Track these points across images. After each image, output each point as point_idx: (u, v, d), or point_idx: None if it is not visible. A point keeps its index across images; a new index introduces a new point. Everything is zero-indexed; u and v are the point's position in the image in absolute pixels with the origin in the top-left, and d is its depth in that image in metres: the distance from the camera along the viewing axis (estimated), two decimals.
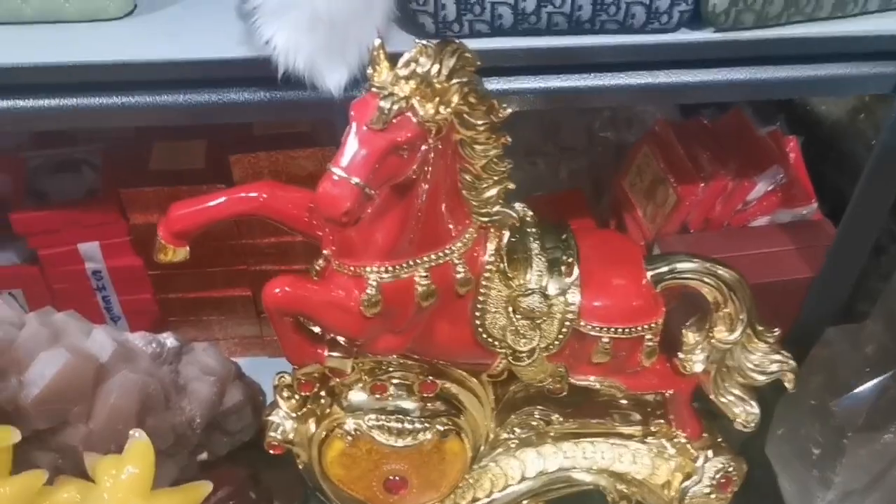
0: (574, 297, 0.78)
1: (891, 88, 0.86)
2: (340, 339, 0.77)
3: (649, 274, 0.81)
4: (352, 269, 0.73)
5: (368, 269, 0.72)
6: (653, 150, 1.12)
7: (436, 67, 0.62)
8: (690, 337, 0.85)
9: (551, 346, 0.79)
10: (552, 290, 0.77)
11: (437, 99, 0.63)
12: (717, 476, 0.91)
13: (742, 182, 1.07)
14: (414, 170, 0.66)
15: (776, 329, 0.84)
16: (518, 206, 0.77)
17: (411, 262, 0.72)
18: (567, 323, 0.78)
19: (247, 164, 1.01)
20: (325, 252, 0.76)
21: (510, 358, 0.79)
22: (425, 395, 0.85)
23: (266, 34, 0.74)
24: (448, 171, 0.71)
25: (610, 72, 0.83)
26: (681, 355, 0.84)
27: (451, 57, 0.63)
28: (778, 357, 0.84)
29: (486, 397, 0.90)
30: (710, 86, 0.83)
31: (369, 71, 0.64)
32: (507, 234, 0.76)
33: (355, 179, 0.61)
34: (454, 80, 0.63)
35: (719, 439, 0.93)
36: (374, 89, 0.63)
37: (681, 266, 0.81)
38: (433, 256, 0.73)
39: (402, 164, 0.64)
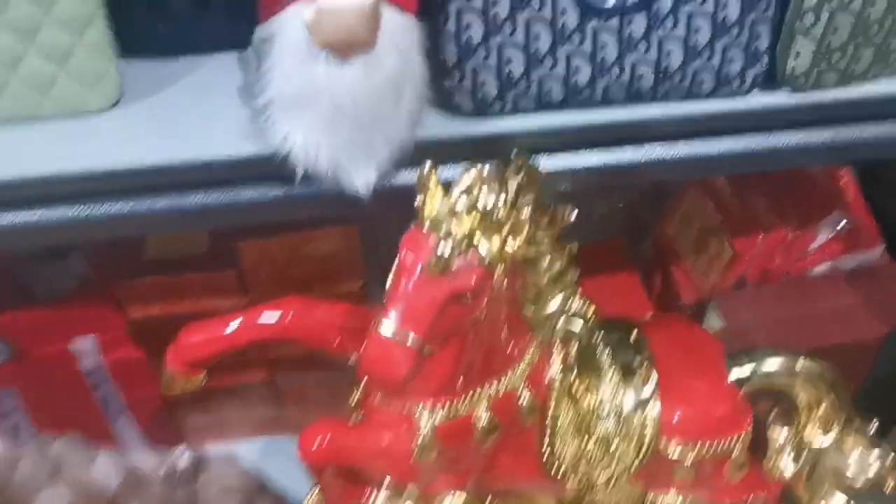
0: (653, 410, 0.68)
1: None
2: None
3: (732, 376, 0.71)
4: (405, 408, 0.62)
5: (420, 408, 0.62)
6: (702, 197, 1.02)
7: (501, 196, 0.52)
8: (777, 434, 0.75)
9: (629, 471, 0.69)
10: (628, 405, 0.67)
11: (505, 230, 0.52)
12: None
13: (802, 232, 0.97)
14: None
15: (874, 419, 0.75)
16: (578, 302, 0.66)
17: (470, 397, 0.62)
18: (646, 444, 0.68)
19: (257, 251, 0.90)
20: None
21: (582, 490, 0.69)
22: None
23: (282, 130, 0.63)
24: (508, 289, 0.60)
25: (670, 140, 0.72)
26: (768, 458, 0.74)
27: (514, 177, 0.53)
28: (877, 453, 0.74)
29: None
30: (786, 152, 0.73)
31: (418, 200, 0.53)
32: (573, 347, 0.66)
33: (412, 338, 0.51)
34: (522, 204, 0.53)
35: None
36: (427, 224, 0.52)
37: (767, 366, 0.71)
38: (495, 386, 0.63)
39: (466, 311, 0.54)
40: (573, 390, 0.66)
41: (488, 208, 0.51)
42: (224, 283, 0.91)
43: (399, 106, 0.64)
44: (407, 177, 0.69)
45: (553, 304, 0.63)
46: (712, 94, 0.69)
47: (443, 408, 0.62)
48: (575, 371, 0.66)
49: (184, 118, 0.70)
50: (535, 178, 0.55)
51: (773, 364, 0.71)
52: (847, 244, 0.99)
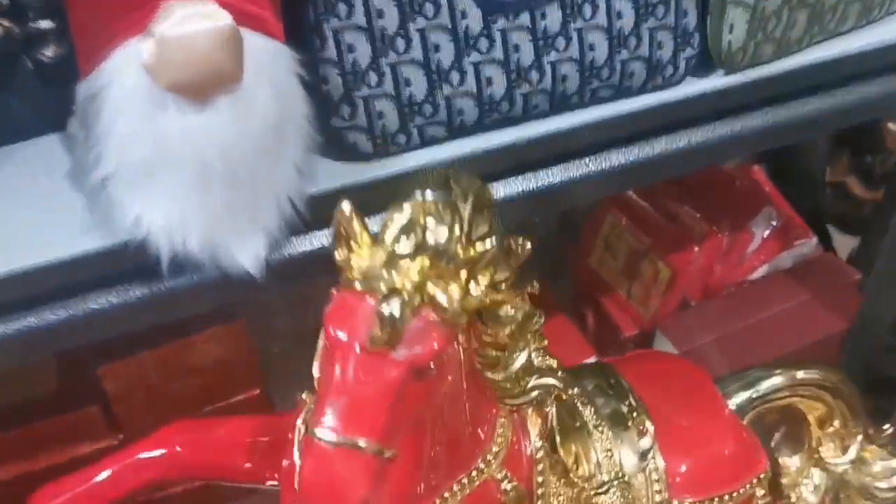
0: (658, 464, 0.56)
1: None
2: None
3: (731, 405, 0.60)
4: None
5: None
6: (620, 218, 0.92)
7: (455, 227, 0.38)
8: (789, 463, 0.64)
9: None
10: (628, 465, 0.54)
11: (464, 273, 0.39)
12: None
13: (737, 234, 0.90)
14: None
15: (886, 426, 0.65)
16: (547, 363, 0.53)
17: (438, 500, 0.48)
18: None
19: (123, 373, 0.72)
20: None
21: None
22: None
23: (132, 211, 0.48)
24: (465, 355, 0.47)
25: (604, 151, 0.62)
26: (785, 490, 0.63)
27: (466, 200, 0.39)
28: None
29: None
30: (731, 140, 0.64)
31: (338, 255, 0.39)
32: (552, 413, 0.53)
33: (365, 443, 0.36)
34: (479, 236, 0.39)
35: None
36: (357, 284, 0.38)
37: (764, 387, 0.60)
38: (465, 481, 0.49)
39: (429, 391, 0.39)
40: (560, 463, 0.53)
41: (441, 246, 0.37)
42: (88, 421, 0.73)
43: (282, 154, 0.50)
44: (303, 243, 0.55)
45: (518, 361, 0.50)
46: (644, 86, 0.59)
47: None
48: (558, 439, 0.53)
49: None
50: (488, 201, 0.42)
51: (770, 384, 0.60)
52: (782, 241, 0.92)
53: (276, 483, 0.52)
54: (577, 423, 0.55)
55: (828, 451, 0.63)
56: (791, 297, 0.89)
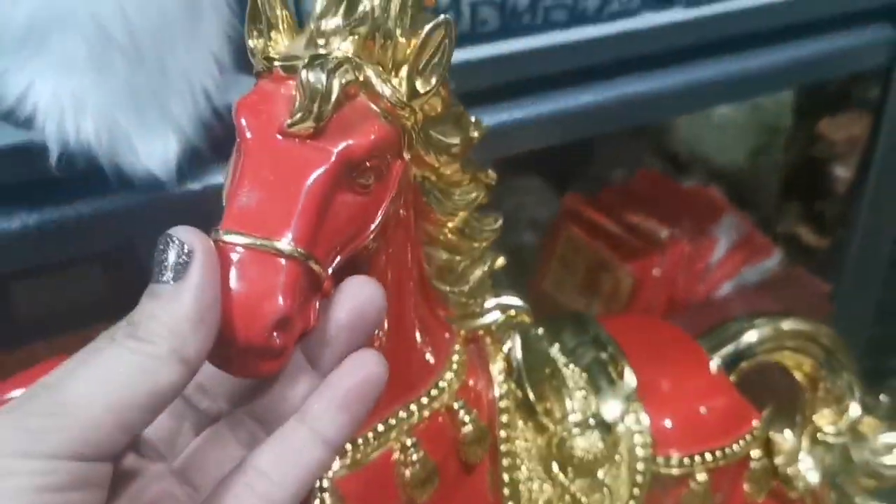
0: (640, 416, 0.47)
1: (889, 59, 0.67)
2: None
3: (716, 360, 0.52)
4: None
5: None
6: (577, 233, 0.87)
7: (392, 4, 0.31)
8: (781, 440, 0.56)
9: None
10: (608, 413, 0.46)
11: (406, 67, 0.32)
12: None
13: (700, 241, 0.84)
14: (372, 247, 0.34)
15: (882, 395, 0.58)
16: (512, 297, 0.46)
17: (382, 426, 0.39)
18: (640, 464, 0.47)
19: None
20: None
21: None
22: None
23: (15, 82, 0.41)
24: (412, 250, 0.39)
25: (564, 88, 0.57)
26: (781, 469, 0.55)
27: None
28: None
29: None
30: (686, 91, 0.60)
31: (252, 43, 0.32)
32: (517, 343, 0.45)
33: (285, 245, 0.28)
34: (430, 42, 0.32)
35: None
36: (277, 65, 0.30)
37: (748, 338, 0.53)
38: (413, 408, 0.40)
39: (364, 210, 0.31)
40: (528, 406, 0.44)
41: (378, 19, 0.30)
42: None
43: (197, 35, 0.44)
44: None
45: (474, 276, 0.42)
46: (600, 13, 0.55)
47: (345, 450, 0.37)
48: (524, 377, 0.44)
49: None
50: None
51: (753, 336, 0.53)
52: (746, 253, 0.87)
53: None
54: (547, 365, 0.46)
55: (823, 419, 0.55)
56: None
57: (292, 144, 0.29)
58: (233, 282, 0.27)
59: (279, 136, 0.29)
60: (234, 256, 0.27)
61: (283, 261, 0.27)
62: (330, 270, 0.30)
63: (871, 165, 0.75)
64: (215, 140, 0.47)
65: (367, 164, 0.30)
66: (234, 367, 0.28)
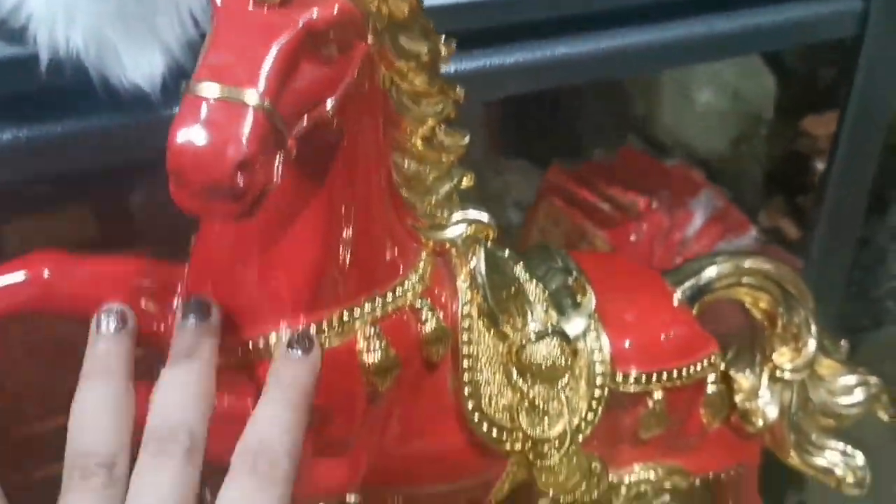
0: (601, 337, 0.49)
1: (856, 28, 0.70)
2: None
3: (679, 293, 0.55)
4: (238, 350, 0.39)
5: (274, 338, 0.39)
6: (558, 203, 0.89)
7: None
8: (742, 379, 0.58)
9: (583, 425, 0.49)
10: (569, 327, 0.48)
11: None
12: None
13: (677, 213, 0.87)
14: (337, 122, 0.36)
15: (843, 341, 0.60)
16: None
17: (346, 315, 0.41)
18: (598, 379, 0.49)
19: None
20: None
21: (530, 455, 0.47)
22: None
23: None
24: (381, 154, 0.42)
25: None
26: (741, 405, 0.57)
27: None
28: (857, 378, 0.59)
29: None
30: (655, 48, 0.63)
31: None
32: (480, 256, 0.47)
33: (253, 97, 0.30)
34: None
35: None
36: None
37: (708, 273, 0.56)
38: (378, 301, 0.42)
39: (326, 80, 0.34)
40: (490, 315, 0.46)
41: None
42: None
43: None
44: None
45: (442, 187, 0.44)
46: None
47: None
48: (487, 290, 0.46)
49: None
50: None
51: (715, 270, 0.56)
52: (722, 229, 0.89)
53: (157, 334, 0.44)
54: (511, 282, 0.49)
55: (781, 357, 0.57)
56: None
57: (261, 12, 0.32)
58: (201, 126, 0.29)
59: (249, 6, 0.32)
60: (204, 104, 0.30)
61: (249, 110, 0.30)
62: (294, 132, 0.32)
63: (840, 135, 0.78)
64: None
65: (330, 36, 0.33)
66: (196, 205, 0.30)
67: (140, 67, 0.46)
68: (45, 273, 0.42)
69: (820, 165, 1.27)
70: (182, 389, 0.37)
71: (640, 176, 0.92)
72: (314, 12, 0.32)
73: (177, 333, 0.39)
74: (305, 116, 0.33)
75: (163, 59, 0.47)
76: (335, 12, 0.33)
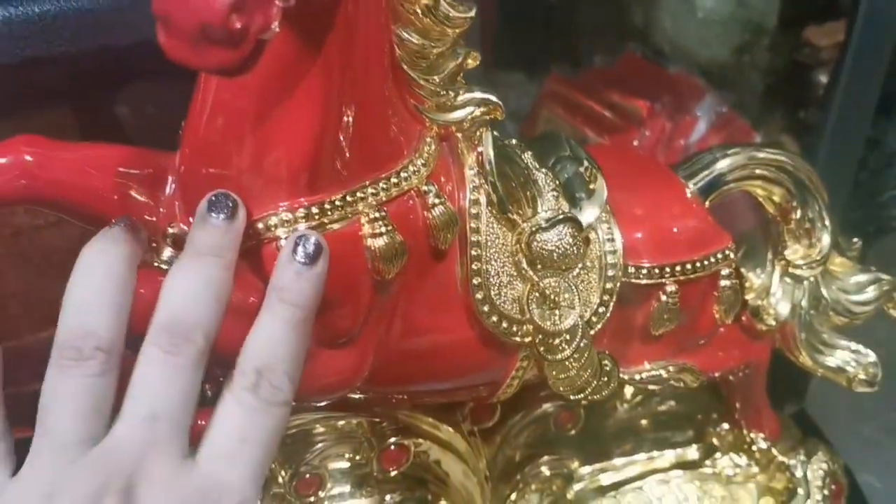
0: (612, 228, 0.47)
1: None
2: None
3: (691, 186, 0.52)
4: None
5: (273, 220, 0.37)
6: (557, 111, 0.87)
7: None
8: (753, 277, 0.56)
9: (595, 319, 0.47)
10: (581, 215, 0.46)
11: None
12: (826, 483, 0.61)
13: (680, 119, 0.84)
14: None
15: (856, 239, 0.59)
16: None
17: (349, 196, 0.38)
18: (610, 270, 0.47)
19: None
20: (170, 230, 0.40)
21: (541, 350, 0.45)
22: (390, 470, 0.48)
23: None
24: (380, 18, 0.39)
25: None
26: (752, 302, 0.55)
27: None
28: (870, 276, 0.57)
29: (475, 461, 0.55)
30: None
31: None
32: (488, 139, 0.44)
33: None
34: None
35: (798, 431, 0.64)
36: None
37: (721, 165, 0.53)
38: (382, 185, 0.40)
39: None
40: (499, 202, 0.44)
41: None
42: None
43: None
44: None
45: (447, 64, 0.42)
46: None
47: (309, 215, 0.37)
48: (496, 176, 0.44)
49: None
50: None
51: (728, 162, 0.53)
52: (726, 134, 0.87)
53: (149, 223, 0.42)
54: (520, 169, 0.46)
55: (794, 254, 0.56)
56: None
57: None
58: None
59: None
60: None
61: None
62: None
63: (850, 39, 0.75)
64: None
65: None
66: (187, 53, 0.27)
67: None
68: (28, 158, 0.39)
69: (822, 77, 1.24)
70: (203, 287, 0.35)
71: (642, 82, 0.89)
72: None
73: (199, 227, 0.36)
74: None
75: None
76: None
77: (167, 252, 0.40)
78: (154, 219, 0.42)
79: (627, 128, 0.82)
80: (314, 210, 0.37)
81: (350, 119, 0.38)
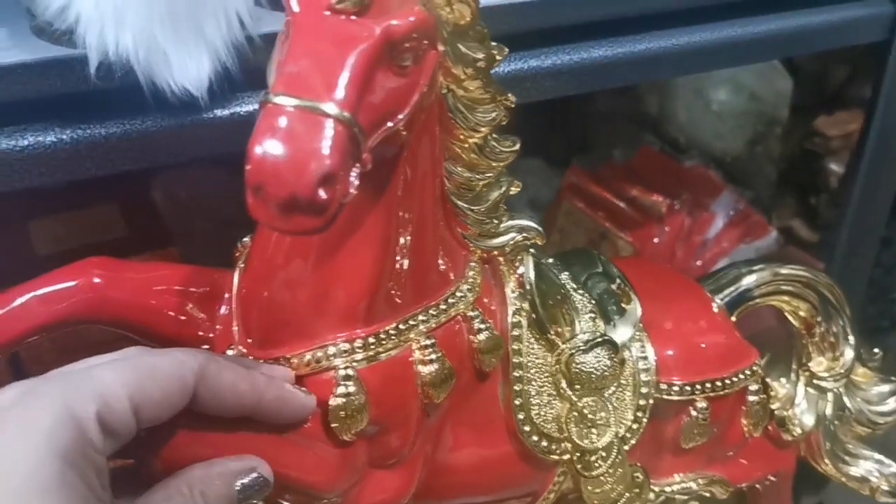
0: (645, 346, 0.49)
1: (886, 32, 0.70)
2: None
3: (718, 300, 0.54)
4: (296, 361, 0.39)
5: (332, 350, 0.39)
6: (577, 205, 0.89)
7: None
8: (778, 386, 0.58)
9: (629, 435, 0.49)
10: (618, 335, 0.48)
11: None
12: None
13: (698, 215, 0.87)
14: (405, 133, 0.36)
15: (876, 350, 0.60)
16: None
17: (402, 325, 0.40)
18: (644, 389, 0.49)
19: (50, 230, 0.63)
20: (230, 352, 0.41)
21: (578, 467, 0.47)
22: None
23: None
24: (435, 163, 0.41)
25: None
26: (778, 413, 0.57)
27: None
28: (892, 387, 0.59)
29: None
30: (690, 52, 0.63)
31: None
32: (529, 263, 0.46)
33: (334, 109, 0.30)
34: None
35: None
36: None
37: (747, 281, 0.56)
38: (432, 311, 0.42)
39: (401, 90, 0.34)
40: (539, 323, 0.46)
41: None
42: None
43: None
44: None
45: (492, 195, 0.44)
46: None
47: (364, 346, 0.39)
48: (536, 298, 0.46)
49: None
50: None
51: (753, 279, 0.55)
52: (743, 230, 0.90)
53: (205, 340, 0.44)
54: (558, 290, 0.48)
55: (819, 366, 0.57)
56: None
57: (338, 21, 0.31)
58: (281, 139, 0.29)
59: (326, 13, 0.31)
60: (283, 117, 0.29)
61: (330, 122, 0.29)
62: (369, 144, 0.32)
63: (865, 144, 0.77)
64: (247, 67, 0.48)
65: (406, 45, 0.32)
66: (276, 220, 0.30)
67: (188, 70, 0.45)
68: (96, 280, 0.41)
69: (833, 166, 1.27)
70: None
71: (660, 176, 0.92)
72: (392, 20, 0.31)
73: None
74: (380, 126, 0.33)
75: (210, 62, 0.46)
76: (413, 20, 0.32)
77: None
78: (210, 335, 0.44)
79: (647, 223, 0.85)
80: (370, 340, 0.39)
81: (405, 252, 0.40)
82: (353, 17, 0.31)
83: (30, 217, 0.68)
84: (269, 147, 0.29)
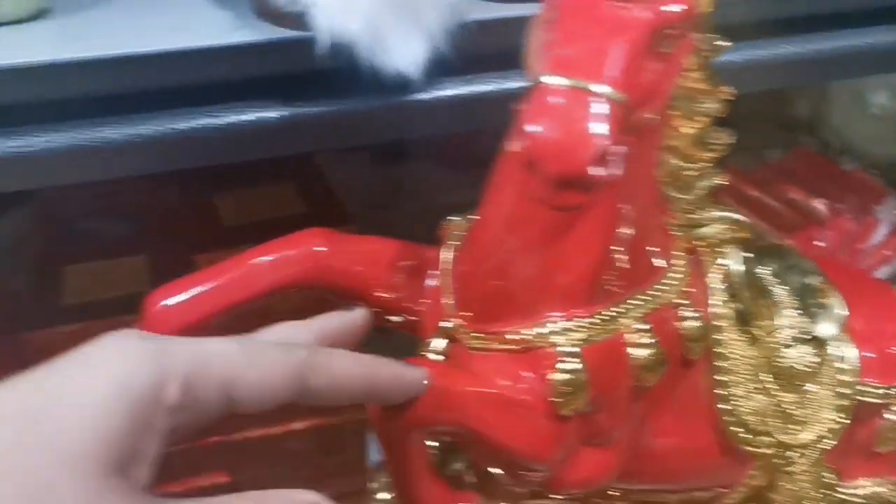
0: (847, 345, 0.48)
1: None
2: (503, 472, 0.42)
3: None
4: (515, 336, 0.40)
5: (550, 327, 0.40)
6: (730, 204, 0.88)
7: None
8: None
9: (830, 435, 0.48)
10: (822, 332, 0.47)
11: None
12: None
13: (862, 219, 0.84)
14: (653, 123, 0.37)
15: None
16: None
17: (616, 309, 0.41)
18: (845, 389, 0.48)
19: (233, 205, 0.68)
20: (444, 325, 0.43)
21: (776, 462, 0.46)
22: None
23: None
24: (656, 151, 0.42)
25: None
26: None
27: None
28: None
29: None
30: None
31: None
32: (736, 255, 0.46)
33: (608, 90, 0.31)
34: None
35: None
36: None
37: None
38: (643, 298, 0.42)
39: (661, 75, 0.35)
40: (742, 316, 0.46)
41: None
42: None
43: None
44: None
45: (702, 183, 0.44)
46: None
47: (584, 325, 0.40)
48: (741, 290, 0.46)
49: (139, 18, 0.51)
50: None
51: None
52: None
53: (411, 311, 0.46)
54: (757, 282, 0.48)
55: None
56: None
57: (609, 6, 0.32)
58: (559, 117, 0.30)
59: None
60: (557, 97, 0.30)
61: (605, 101, 0.30)
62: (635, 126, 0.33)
63: None
64: (458, 52, 0.50)
65: (671, 32, 0.33)
66: (547, 193, 0.31)
67: (405, 54, 0.47)
68: (320, 248, 0.44)
69: None
70: None
71: (816, 178, 0.89)
72: (662, 9, 0.32)
73: None
74: (641, 110, 0.34)
75: (425, 45, 0.48)
76: (681, 10, 0.33)
77: (440, 343, 0.43)
78: (417, 308, 0.46)
79: (806, 226, 0.83)
80: (589, 321, 0.40)
81: (626, 241, 0.41)
82: (624, 3, 0.32)
83: (216, 192, 0.72)
84: (546, 125, 0.30)
